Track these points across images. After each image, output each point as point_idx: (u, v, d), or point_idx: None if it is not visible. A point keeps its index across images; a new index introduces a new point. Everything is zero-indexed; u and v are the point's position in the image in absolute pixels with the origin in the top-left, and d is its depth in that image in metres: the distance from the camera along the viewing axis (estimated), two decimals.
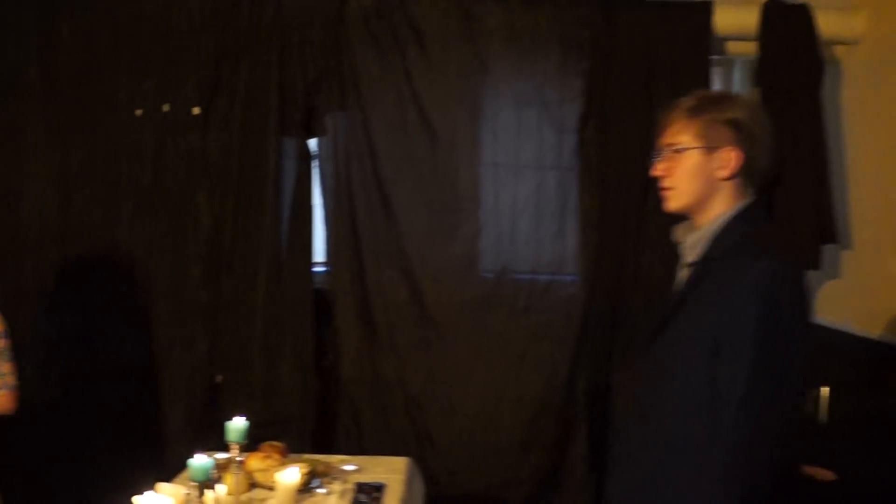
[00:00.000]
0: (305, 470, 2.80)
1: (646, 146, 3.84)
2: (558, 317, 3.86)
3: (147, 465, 3.79)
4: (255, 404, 3.83)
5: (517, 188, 3.88)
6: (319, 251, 3.94)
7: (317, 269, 3.93)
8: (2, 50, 3.80)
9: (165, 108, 3.80)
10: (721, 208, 2.06)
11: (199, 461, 2.41)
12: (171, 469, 3.77)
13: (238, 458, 2.73)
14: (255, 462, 2.87)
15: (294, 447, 3.75)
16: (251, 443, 3.78)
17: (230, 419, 3.83)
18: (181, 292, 3.84)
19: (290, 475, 2.67)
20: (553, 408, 3.86)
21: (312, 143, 3.88)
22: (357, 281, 3.85)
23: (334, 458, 3.13)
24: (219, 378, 3.88)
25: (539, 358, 3.86)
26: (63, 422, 3.74)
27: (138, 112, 3.81)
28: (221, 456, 3.06)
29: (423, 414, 3.85)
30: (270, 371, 3.84)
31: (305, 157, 3.86)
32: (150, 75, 3.81)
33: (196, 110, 3.80)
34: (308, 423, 3.83)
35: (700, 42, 3.75)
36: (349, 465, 3.05)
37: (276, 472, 2.77)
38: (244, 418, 2.71)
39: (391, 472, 3.03)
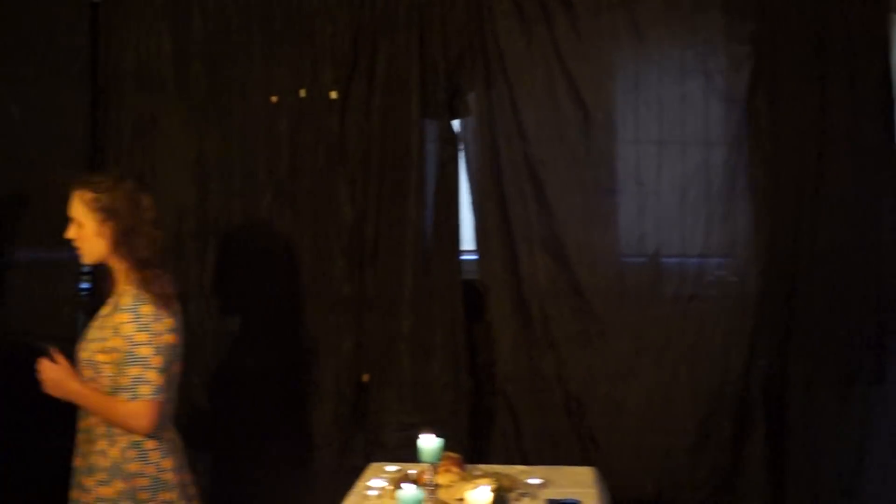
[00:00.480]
0: (494, 486, 2.50)
1: (819, 115, 3.57)
2: (730, 303, 3.53)
3: (292, 470, 3.59)
4: (404, 405, 3.59)
5: (679, 166, 3.58)
6: (467, 240, 3.67)
7: (465, 258, 3.66)
8: (134, 41, 3.65)
9: (301, 93, 3.61)
10: None
11: (409, 493, 2.21)
12: (317, 473, 3.57)
13: (432, 481, 2.45)
14: (437, 478, 2.57)
15: (447, 450, 3.52)
16: (406, 444, 3.58)
17: (379, 420, 3.62)
18: (323, 288, 3.61)
19: (483, 495, 2.35)
20: (727, 404, 3.52)
21: (456, 125, 3.63)
22: (509, 271, 3.58)
23: (513, 470, 2.84)
24: (365, 377, 3.63)
25: (710, 349, 3.53)
26: (206, 424, 3.53)
27: (273, 98, 3.62)
28: (391, 468, 2.81)
29: (584, 413, 3.55)
30: (420, 369, 3.58)
31: (450, 139, 3.62)
32: (284, 60, 3.62)
33: (333, 94, 3.60)
34: (461, 425, 3.56)
35: None
36: (532, 477, 2.75)
37: (460, 489, 2.48)
38: (435, 436, 2.42)
39: (579, 484, 2.73)
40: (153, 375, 2.37)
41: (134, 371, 2.38)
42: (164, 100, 3.64)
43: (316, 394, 3.61)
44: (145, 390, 2.37)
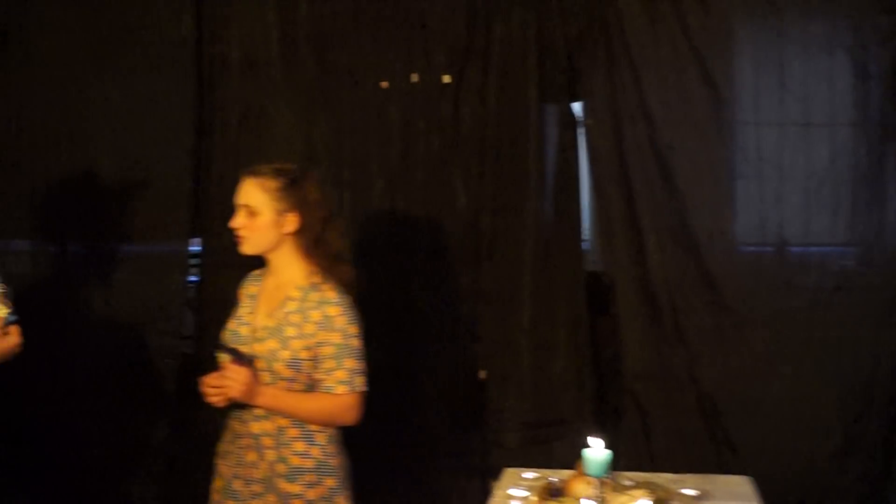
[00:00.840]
0: (653, 499, 2.28)
1: None
2: (879, 296, 3.26)
3: (405, 470, 3.42)
4: (524, 404, 3.42)
5: (819, 148, 3.32)
6: (588, 229, 3.47)
7: (586, 248, 3.46)
8: (240, 27, 3.54)
9: (413, 78, 3.45)
10: None
11: None
12: (432, 474, 3.39)
13: (600, 499, 2.23)
14: (580, 487, 2.35)
15: (569, 452, 3.31)
16: (526, 446, 3.39)
17: (497, 419, 3.43)
18: (438, 280, 3.44)
19: None
20: (877, 405, 3.25)
21: (577, 108, 3.43)
22: (636, 262, 3.36)
23: (661, 479, 2.60)
24: (482, 374, 3.45)
25: (857, 345, 3.26)
26: None
27: (384, 84, 3.47)
28: (529, 475, 2.60)
29: (720, 415, 3.30)
30: (540, 366, 3.39)
31: (570, 124, 3.43)
32: (394, 44, 3.46)
33: (446, 79, 3.44)
34: (585, 425, 3.33)
35: None
36: (685, 487, 2.50)
37: (614, 501, 2.26)
38: (602, 446, 2.24)
39: (737, 497, 2.48)
40: (364, 366, 2.37)
41: (350, 363, 2.34)
42: (271, 87, 3.52)
43: (431, 391, 3.43)
44: (360, 381, 2.36)
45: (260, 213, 2.38)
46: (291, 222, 2.39)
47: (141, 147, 3.58)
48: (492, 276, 3.44)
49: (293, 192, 2.39)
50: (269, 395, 2.32)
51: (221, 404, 2.35)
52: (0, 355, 2.26)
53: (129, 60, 3.57)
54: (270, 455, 2.37)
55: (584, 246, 3.44)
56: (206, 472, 3.54)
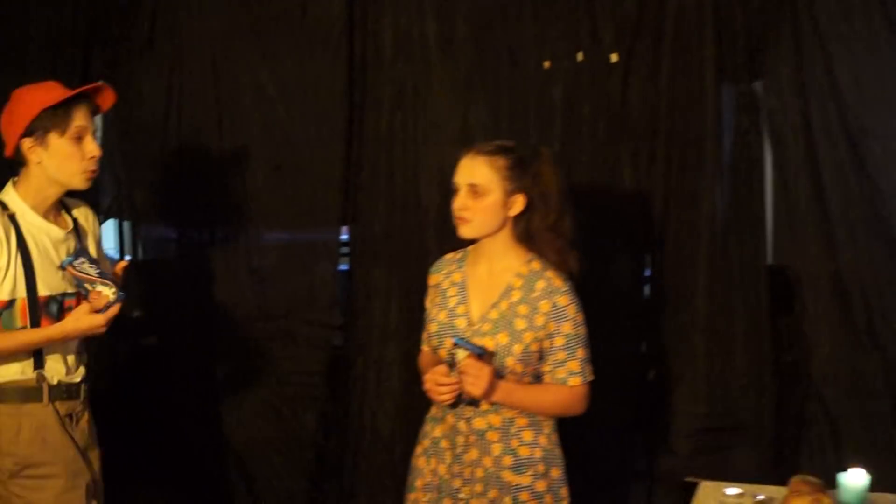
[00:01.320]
0: None
1: None
2: None
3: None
4: (697, 407, 3.17)
5: None
6: (770, 219, 3.18)
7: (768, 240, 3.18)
8: (394, 5, 3.37)
9: (578, 56, 3.22)
10: None
11: None
12: (596, 480, 3.18)
13: None
14: None
15: (747, 461, 3.07)
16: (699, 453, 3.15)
17: (667, 423, 3.20)
18: (602, 273, 3.21)
19: None
20: None
21: (758, 89, 3.14)
22: (824, 256, 3.06)
23: (885, 499, 2.33)
24: (651, 374, 3.22)
25: None
26: None
27: (546, 64, 3.25)
28: (733, 491, 2.37)
29: None
30: (716, 367, 3.14)
31: (750, 106, 3.14)
32: (558, 20, 3.24)
33: (614, 57, 3.20)
34: (766, 432, 3.09)
35: None
36: None
37: None
38: (863, 472, 1.98)
39: None
40: (589, 355, 2.30)
41: (581, 353, 2.27)
42: (427, 68, 3.34)
43: (594, 391, 3.21)
44: (589, 370, 2.30)
45: (488, 193, 2.23)
46: (518, 204, 2.24)
47: (292, 132, 3.47)
48: (663, 268, 3.20)
49: (523, 171, 2.24)
50: (504, 391, 2.19)
51: (449, 401, 2.20)
52: (81, 332, 2.30)
53: (281, 44, 3.47)
54: (496, 449, 2.24)
55: (766, 238, 3.15)
56: (355, 466, 3.48)
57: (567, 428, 3.16)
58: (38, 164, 2.31)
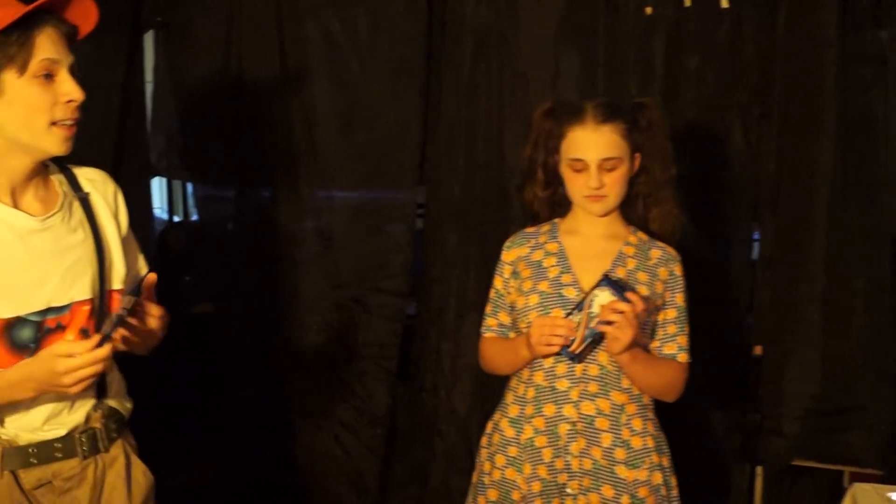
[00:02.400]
0: None
1: None
2: None
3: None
4: (809, 387, 2.93)
5: None
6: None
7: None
8: None
9: (686, 2, 2.94)
10: None
11: None
12: (693, 464, 2.94)
13: None
14: None
15: (863, 445, 2.84)
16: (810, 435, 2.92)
17: (775, 403, 2.96)
18: (705, 238, 2.96)
19: None
20: None
21: (884, 38, 2.88)
22: None
23: None
24: (758, 349, 2.98)
25: None
26: None
27: (648, 10, 2.97)
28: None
29: None
30: (831, 343, 2.90)
31: (874, 57, 2.87)
32: None
33: (725, 3, 2.91)
34: (885, 415, 2.85)
35: None
36: None
37: None
38: None
39: None
40: None
41: (687, 329, 2.10)
42: (513, 14, 3.05)
43: (695, 366, 2.97)
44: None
45: (621, 164, 2.01)
46: (635, 165, 2.05)
47: (364, 85, 3.18)
48: (774, 234, 2.95)
49: (637, 127, 2.03)
50: (635, 350, 1.95)
51: (553, 353, 1.95)
52: (48, 377, 1.53)
53: None
54: (606, 440, 2.00)
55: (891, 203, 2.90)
56: (428, 445, 3.24)
57: (665, 408, 2.94)
58: None
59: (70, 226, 1.67)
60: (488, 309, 2.20)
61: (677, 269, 2.09)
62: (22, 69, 1.51)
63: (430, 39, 3.15)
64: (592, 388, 2.00)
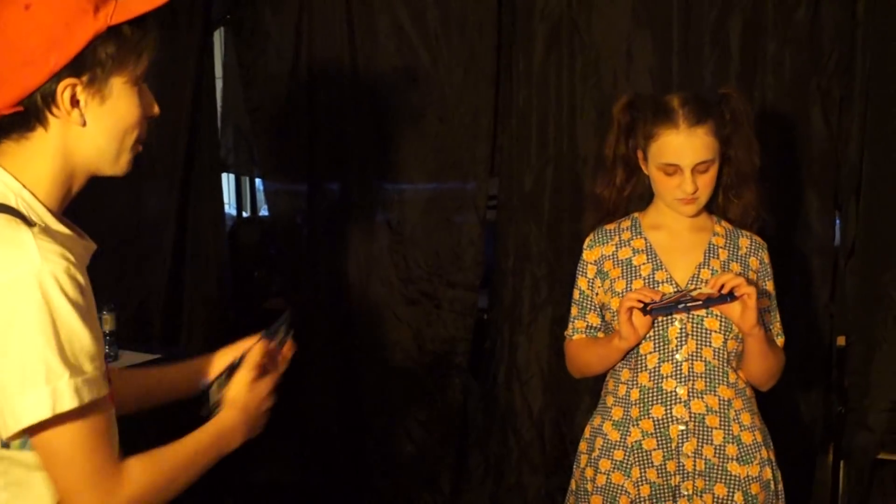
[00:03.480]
0: None
1: None
2: None
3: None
4: None
5: None
6: None
7: None
8: None
9: None
10: None
11: None
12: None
13: None
14: None
15: None
16: None
17: (860, 395, 2.87)
18: (792, 226, 2.89)
19: None
20: None
21: None
22: None
23: None
24: (841, 340, 2.91)
25: None
26: None
27: None
28: None
29: None
30: None
31: None
32: None
33: None
34: None
35: None
36: None
37: None
38: None
39: None
40: None
41: (778, 315, 2.09)
42: (585, 0, 3.01)
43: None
44: None
45: (715, 161, 1.97)
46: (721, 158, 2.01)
47: (434, 75, 3.16)
48: (857, 221, 2.86)
49: (723, 121, 1.99)
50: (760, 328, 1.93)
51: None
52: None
53: None
54: (717, 437, 1.96)
55: None
56: (502, 442, 3.21)
57: None
58: (75, 133, 1.26)
59: None
60: (574, 311, 2.14)
61: (766, 257, 2.07)
62: (133, 76, 1.28)
63: (500, 29, 3.12)
64: (700, 385, 1.95)
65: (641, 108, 2.04)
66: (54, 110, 1.22)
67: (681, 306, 1.88)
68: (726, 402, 1.97)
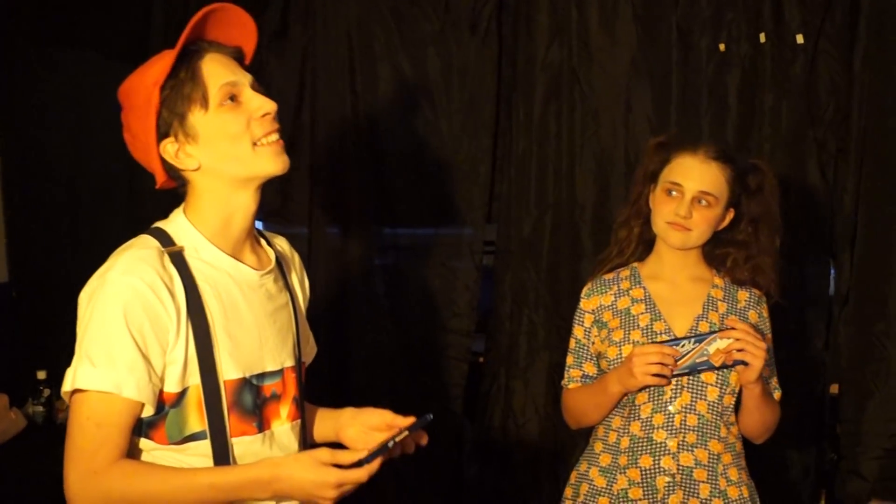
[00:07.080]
0: None
1: None
2: None
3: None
4: (890, 426, 2.88)
5: None
6: None
7: None
8: None
9: (761, 38, 2.93)
10: None
11: None
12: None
13: None
14: None
15: None
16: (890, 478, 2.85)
17: (853, 442, 2.89)
18: (787, 276, 2.89)
19: None
20: None
21: None
22: None
23: None
24: (834, 388, 2.95)
25: None
26: None
27: (721, 46, 2.97)
28: None
29: None
30: None
31: None
32: None
33: (800, 38, 2.90)
34: None
35: None
36: None
37: None
38: None
39: None
40: None
41: (776, 370, 2.12)
42: (586, 52, 3.06)
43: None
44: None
45: (716, 205, 2.00)
46: (728, 218, 2.06)
47: (434, 123, 3.21)
48: (851, 270, 2.90)
49: (742, 184, 2.04)
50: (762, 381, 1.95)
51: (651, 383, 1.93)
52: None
53: (423, 29, 3.20)
54: (704, 490, 1.97)
55: None
56: (497, 488, 3.21)
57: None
58: (199, 171, 1.50)
59: (278, 286, 1.61)
60: (570, 360, 2.15)
61: (765, 311, 2.10)
62: (205, 104, 1.46)
63: (501, 78, 3.17)
64: (691, 438, 1.97)
65: (671, 148, 2.07)
66: (176, 167, 1.50)
67: (698, 369, 1.90)
68: (715, 457, 1.98)
